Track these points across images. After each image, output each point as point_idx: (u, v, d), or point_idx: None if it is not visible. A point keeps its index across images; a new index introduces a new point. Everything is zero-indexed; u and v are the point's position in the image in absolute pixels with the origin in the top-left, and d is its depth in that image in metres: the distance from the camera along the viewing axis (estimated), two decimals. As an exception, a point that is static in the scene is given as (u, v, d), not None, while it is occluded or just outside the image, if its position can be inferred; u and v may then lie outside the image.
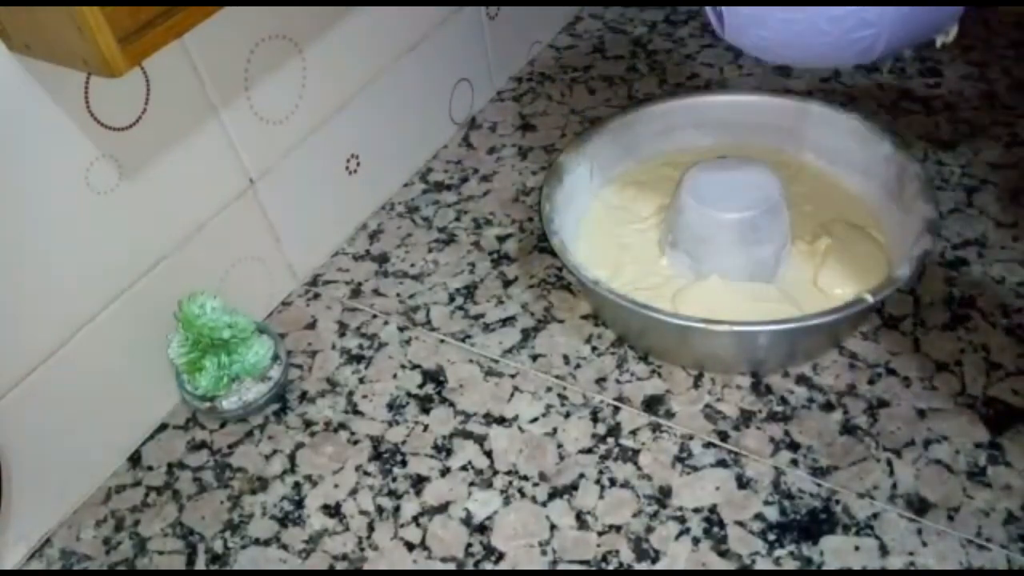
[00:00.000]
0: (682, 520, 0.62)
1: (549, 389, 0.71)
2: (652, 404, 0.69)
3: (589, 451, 0.67)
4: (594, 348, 0.74)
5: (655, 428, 0.67)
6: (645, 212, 0.81)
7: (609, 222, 0.81)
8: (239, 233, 0.74)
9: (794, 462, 0.64)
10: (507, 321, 0.77)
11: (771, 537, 0.60)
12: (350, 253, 0.85)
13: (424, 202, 0.90)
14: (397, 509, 0.65)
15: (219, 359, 0.68)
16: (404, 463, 0.68)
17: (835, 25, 0.51)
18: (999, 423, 0.65)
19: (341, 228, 0.86)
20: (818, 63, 0.72)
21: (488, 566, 0.61)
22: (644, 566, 0.60)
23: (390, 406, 0.72)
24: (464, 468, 0.67)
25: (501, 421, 0.69)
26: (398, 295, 0.81)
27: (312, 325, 0.79)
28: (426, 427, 0.70)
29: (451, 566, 0.61)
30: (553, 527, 0.63)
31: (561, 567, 0.60)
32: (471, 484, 0.66)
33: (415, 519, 0.64)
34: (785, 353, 0.69)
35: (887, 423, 0.66)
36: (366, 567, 0.62)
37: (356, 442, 0.69)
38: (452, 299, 0.79)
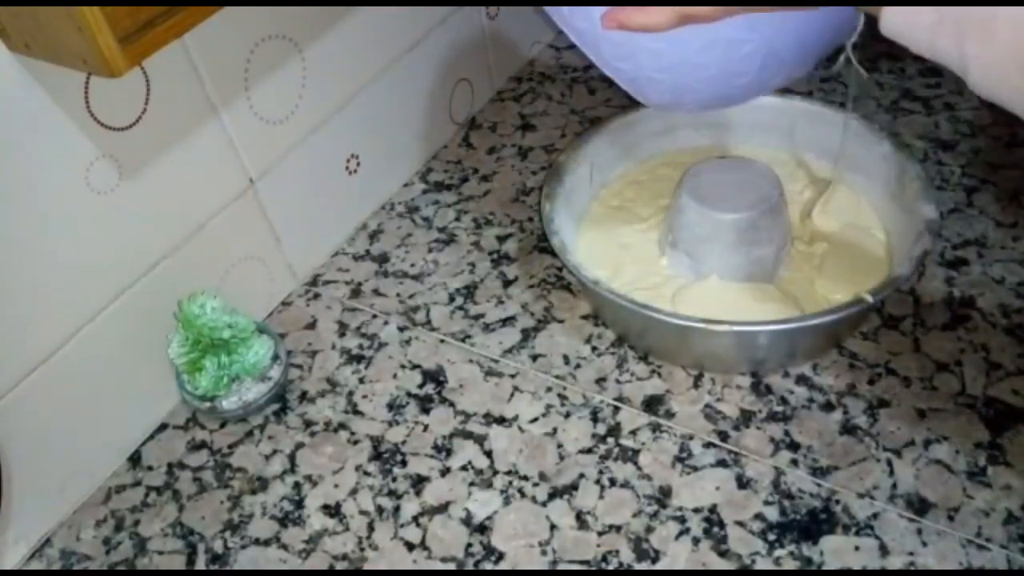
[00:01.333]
0: (682, 520, 0.62)
1: (549, 389, 0.71)
2: (652, 404, 0.69)
3: (589, 451, 0.67)
4: (594, 348, 0.74)
5: (655, 428, 0.67)
6: (645, 212, 0.81)
7: (609, 222, 0.81)
8: (239, 233, 0.74)
9: (794, 462, 0.64)
10: (507, 321, 0.77)
11: (771, 537, 0.60)
12: (350, 253, 0.85)
13: (424, 202, 0.90)
14: (397, 509, 0.65)
15: (219, 359, 0.68)
16: (404, 463, 0.68)
17: (707, 55, 0.47)
18: (999, 423, 0.65)
19: (341, 228, 0.86)
20: (711, 103, 0.58)
21: (488, 566, 0.61)
22: (644, 566, 0.60)
23: (390, 406, 0.72)
24: (464, 468, 0.67)
25: (501, 421, 0.69)
26: (398, 295, 0.81)
27: (312, 325, 0.79)
28: (426, 427, 0.70)
29: (451, 566, 0.61)
30: (553, 527, 0.63)
31: (561, 567, 0.60)
32: (471, 484, 0.66)
33: (415, 519, 0.64)
34: (785, 353, 0.69)
35: (887, 423, 0.66)
36: (366, 567, 0.62)
37: (356, 442, 0.69)
38: (452, 299, 0.79)
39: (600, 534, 0.62)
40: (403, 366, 0.74)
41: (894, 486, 0.62)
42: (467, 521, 0.64)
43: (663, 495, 0.63)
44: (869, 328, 0.72)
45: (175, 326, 0.68)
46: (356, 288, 0.82)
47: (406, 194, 0.91)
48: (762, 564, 0.59)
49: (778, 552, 0.60)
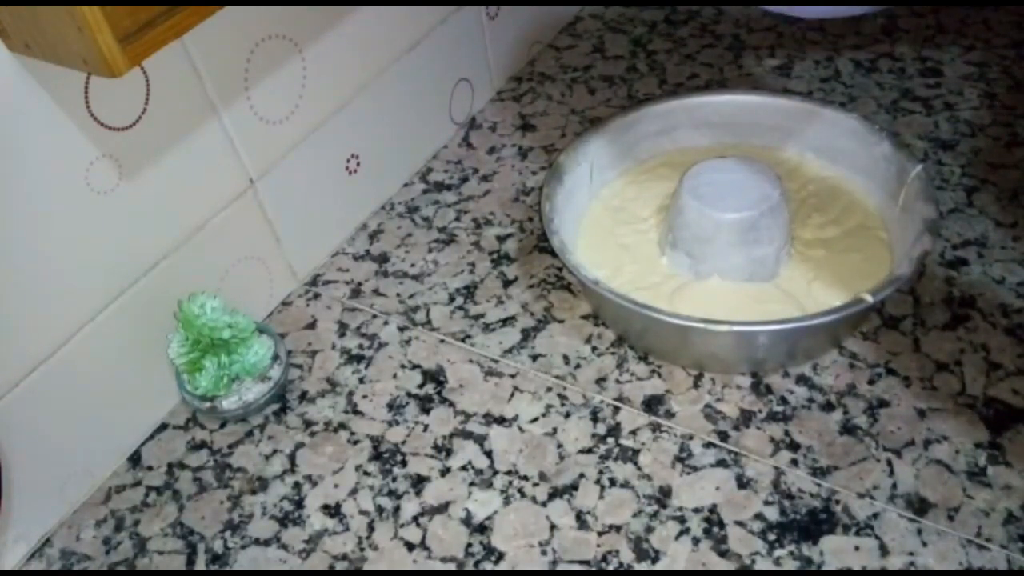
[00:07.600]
0: (682, 520, 0.62)
1: (549, 389, 0.71)
2: (652, 404, 0.69)
3: (589, 451, 0.67)
4: (594, 348, 0.74)
5: (655, 428, 0.67)
6: (645, 212, 0.81)
7: (609, 222, 0.81)
8: (239, 233, 0.74)
9: (794, 462, 0.64)
10: (507, 321, 0.77)
11: (771, 537, 0.60)
12: (350, 253, 0.85)
13: (424, 202, 0.90)
14: (397, 509, 0.65)
15: (219, 359, 0.68)
16: (404, 463, 0.68)
17: None
18: (999, 423, 0.65)
19: (341, 228, 0.86)
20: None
21: (488, 566, 0.61)
22: (644, 566, 0.60)
23: (390, 406, 0.72)
24: (464, 468, 0.67)
25: (501, 421, 0.69)
26: (398, 295, 0.81)
27: (312, 325, 0.79)
28: (426, 427, 0.70)
29: (451, 566, 0.61)
30: (553, 527, 0.63)
31: (561, 567, 0.60)
32: (471, 484, 0.66)
33: (415, 519, 0.64)
34: (785, 353, 0.69)
35: (887, 423, 0.66)
36: (366, 567, 0.62)
37: (356, 442, 0.69)
38: (452, 299, 0.79)
39: (600, 534, 0.62)
40: (403, 366, 0.74)
41: (894, 486, 0.62)
42: (467, 521, 0.64)
43: (663, 495, 0.63)
44: (869, 328, 0.72)
45: (175, 326, 0.68)
46: (356, 288, 0.82)
47: (406, 194, 0.91)
48: (762, 564, 0.59)
49: (778, 552, 0.60)
